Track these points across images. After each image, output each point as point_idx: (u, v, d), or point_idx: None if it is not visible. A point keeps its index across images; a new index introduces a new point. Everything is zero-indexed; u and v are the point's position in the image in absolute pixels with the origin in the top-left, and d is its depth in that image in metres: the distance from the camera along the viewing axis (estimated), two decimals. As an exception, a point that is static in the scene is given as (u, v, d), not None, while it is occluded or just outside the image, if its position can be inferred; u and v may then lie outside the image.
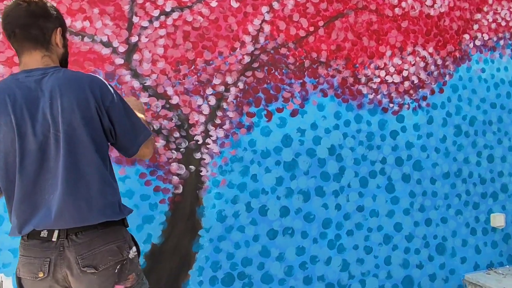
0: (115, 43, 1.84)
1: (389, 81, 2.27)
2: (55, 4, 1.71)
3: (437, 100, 2.38)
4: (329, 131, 2.16)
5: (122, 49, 1.85)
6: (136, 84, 1.87)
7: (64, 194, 1.11)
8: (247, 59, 2.02)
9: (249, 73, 2.02)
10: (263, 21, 2.05)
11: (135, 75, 1.87)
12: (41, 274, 1.11)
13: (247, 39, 2.02)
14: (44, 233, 1.13)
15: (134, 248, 1.26)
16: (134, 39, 1.87)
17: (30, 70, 1.14)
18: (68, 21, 1.78)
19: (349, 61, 2.20)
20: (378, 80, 2.25)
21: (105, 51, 1.83)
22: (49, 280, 1.13)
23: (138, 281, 1.24)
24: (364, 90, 2.23)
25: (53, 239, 1.12)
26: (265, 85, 2.05)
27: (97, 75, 1.24)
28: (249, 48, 2.03)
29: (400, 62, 2.29)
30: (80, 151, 1.14)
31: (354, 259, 2.19)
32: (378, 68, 2.25)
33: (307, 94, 2.12)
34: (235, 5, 2.01)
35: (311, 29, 2.13)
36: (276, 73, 2.07)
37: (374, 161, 2.24)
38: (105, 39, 1.83)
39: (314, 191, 2.12)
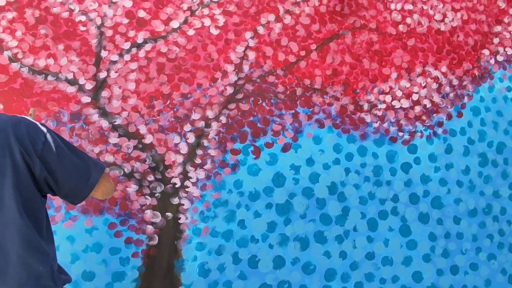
0: (82, 80, 1.69)
1: (396, 107, 1.99)
2: (15, 44, 1.60)
3: (455, 125, 2.06)
4: (328, 167, 1.89)
5: (89, 86, 1.69)
6: (104, 123, 1.69)
7: None
8: (229, 90, 1.81)
9: (232, 106, 1.81)
10: (247, 47, 1.85)
11: (104, 113, 1.69)
12: None
13: (229, 68, 1.82)
14: None
15: None
16: (102, 75, 1.71)
17: None
18: (30, 59, 1.65)
19: (348, 86, 1.94)
20: (384, 106, 1.98)
21: (71, 89, 1.67)
22: None
23: None
24: (368, 118, 1.95)
25: None
26: (251, 118, 1.83)
27: (24, 116, 1.05)
28: (232, 78, 1.82)
29: (408, 84, 2.02)
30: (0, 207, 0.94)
31: (365, 317, 1.85)
32: (382, 92, 1.98)
33: (300, 125, 1.87)
34: (214, 32, 1.83)
35: (303, 53, 1.91)
36: (264, 104, 1.84)
37: (384, 199, 1.93)
38: (70, 76, 1.68)
39: (314, 237, 1.83)
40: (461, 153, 2.05)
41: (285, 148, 1.85)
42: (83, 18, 1.71)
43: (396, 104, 1.99)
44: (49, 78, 1.66)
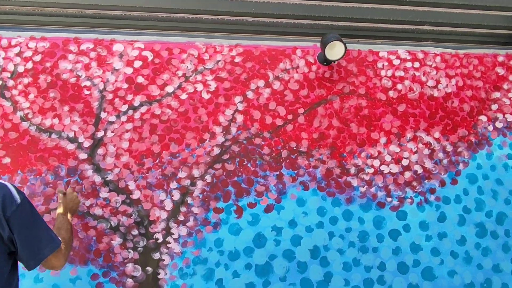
0: (81, 139, 1.86)
1: (385, 172, 1.98)
2: (28, 105, 1.81)
3: (449, 193, 2.00)
4: (311, 230, 1.88)
5: (87, 144, 1.86)
6: (97, 179, 1.83)
7: None
8: (216, 150, 1.91)
9: (218, 165, 1.90)
10: (236, 111, 1.96)
11: (97, 169, 1.84)
12: None
13: (218, 129, 1.93)
14: None
15: None
16: (100, 134, 1.87)
17: None
18: (38, 119, 1.85)
19: (334, 150, 1.97)
20: (371, 170, 1.97)
21: (70, 146, 1.85)
22: None
23: None
24: (354, 182, 1.96)
25: None
26: (236, 178, 1.89)
27: (7, 185, 1.19)
28: (219, 139, 1.92)
29: (398, 149, 2.01)
30: None
31: None
32: (370, 157, 1.99)
33: (284, 187, 1.91)
34: (206, 96, 1.96)
35: (290, 117, 1.98)
36: (249, 165, 1.91)
37: (369, 266, 1.88)
38: (71, 134, 1.86)
39: (292, 302, 1.81)
40: (455, 222, 1.97)
41: (268, 209, 1.88)
42: (88, 83, 1.91)
43: (384, 169, 1.98)
44: (53, 136, 1.85)
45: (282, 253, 1.85)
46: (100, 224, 1.80)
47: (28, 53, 1.92)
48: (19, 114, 1.85)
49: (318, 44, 2.01)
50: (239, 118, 1.95)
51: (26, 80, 1.89)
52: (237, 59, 2.02)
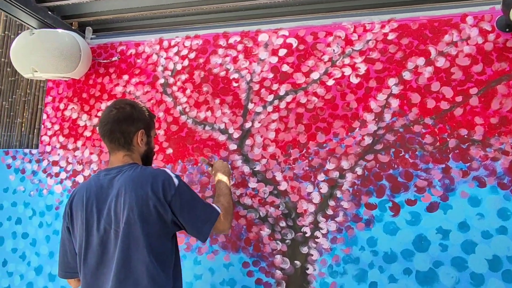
0: (231, 130, 1.91)
1: None
2: (185, 100, 1.95)
3: None
4: (490, 236, 1.54)
5: (236, 135, 1.90)
6: (246, 169, 1.86)
7: None
8: (367, 140, 1.73)
9: (370, 157, 1.71)
10: (390, 95, 1.73)
11: (246, 160, 1.87)
12: None
13: (369, 117, 1.74)
14: None
15: None
16: (247, 125, 1.89)
17: (110, 168, 1.28)
18: (194, 112, 1.98)
19: (522, 138, 1.57)
20: None
21: (222, 137, 1.92)
22: None
23: None
24: (553, 178, 1.52)
25: None
26: (391, 171, 1.68)
27: (166, 170, 1.27)
28: (371, 127, 1.73)
29: None
30: (133, 248, 1.16)
31: None
32: None
33: (452, 182, 1.61)
34: (355, 80, 1.79)
35: (458, 99, 1.65)
36: (407, 156, 1.67)
37: None
38: (222, 126, 1.93)
39: (465, 320, 1.51)
40: None
41: (431, 208, 1.61)
42: (236, 75, 1.95)
43: None
44: (207, 128, 1.95)
45: (450, 261, 1.56)
46: (249, 213, 1.82)
47: (184, 52, 2.07)
48: (178, 108, 2.02)
49: (497, 7, 1.61)
50: (394, 103, 1.72)
51: (183, 77, 2.04)
52: (391, 36, 1.78)
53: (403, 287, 1.59)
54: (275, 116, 1.86)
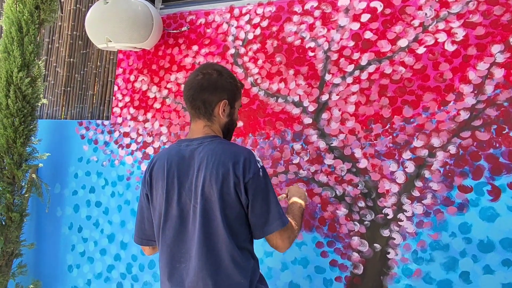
0: (306, 103, 1.80)
1: None
2: (257, 71, 1.85)
3: None
4: None
5: (311, 108, 1.78)
6: (322, 144, 1.75)
7: (197, 268, 1.10)
8: (464, 115, 1.54)
9: (466, 134, 1.52)
10: (493, 64, 1.52)
11: (322, 135, 1.75)
12: None
13: (466, 89, 1.54)
14: None
15: None
16: (324, 97, 1.77)
17: (192, 139, 1.22)
18: (266, 84, 1.89)
19: None
20: None
21: (296, 111, 1.81)
22: None
23: None
24: None
25: None
26: (492, 150, 1.48)
27: (250, 150, 1.19)
28: (469, 100, 1.53)
29: None
30: (213, 225, 1.11)
31: None
32: None
33: None
34: (450, 48, 1.58)
35: None
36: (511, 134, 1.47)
37: None
38: (296, 98, 1.82)
39: None
40: None
41: (540, 193, 1.41)
42: (312, 44, 1.82)
43: None
44: (279, 100, 1.85)
45: (562, 255, 1.36)
46: (324, 191, 1.72)
47: (256, 20, 1.96)
48: (250, 80, 1.93)
49: None
50: (498, 73, 1.51)
51: (255, 47, 1.94)
52: (497, -4, 1.55)
53: (501, 279, 1.42)
54: (355, 88, 1.72)
